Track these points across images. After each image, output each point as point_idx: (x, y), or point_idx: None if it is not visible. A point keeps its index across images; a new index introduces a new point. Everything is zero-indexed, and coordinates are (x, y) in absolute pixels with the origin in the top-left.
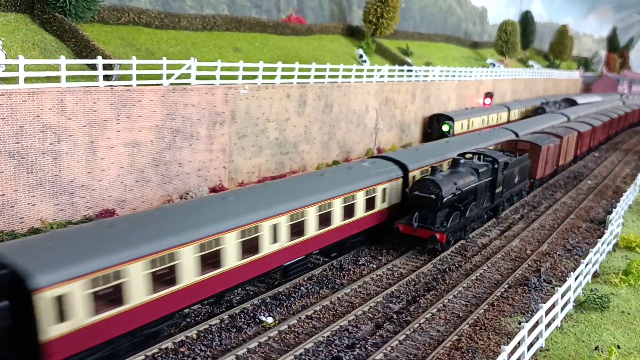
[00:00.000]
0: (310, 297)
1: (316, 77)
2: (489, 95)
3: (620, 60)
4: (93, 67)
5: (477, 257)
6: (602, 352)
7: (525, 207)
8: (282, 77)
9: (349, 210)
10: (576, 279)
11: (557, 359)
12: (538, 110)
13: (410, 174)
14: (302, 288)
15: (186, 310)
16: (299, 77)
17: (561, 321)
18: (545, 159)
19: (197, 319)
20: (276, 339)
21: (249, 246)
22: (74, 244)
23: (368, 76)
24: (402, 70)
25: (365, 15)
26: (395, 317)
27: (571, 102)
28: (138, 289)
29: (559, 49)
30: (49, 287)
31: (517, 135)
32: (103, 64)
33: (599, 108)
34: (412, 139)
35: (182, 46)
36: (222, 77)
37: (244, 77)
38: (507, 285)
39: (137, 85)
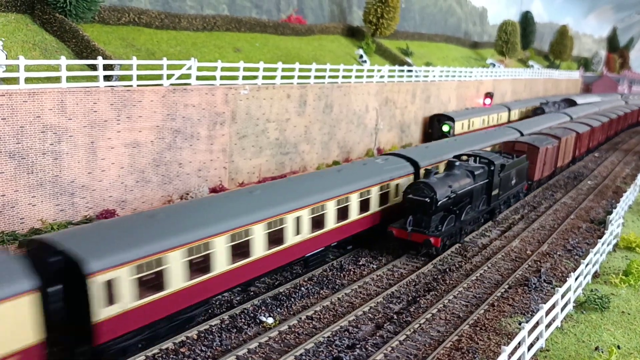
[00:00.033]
0: (311, 297)
1: (316, 77)
2: (489, 95)
3: (620, 60)
4: (93, 67)
5: (477, 257)
6: (602, 352)
7: (526, 208)
8: (283, 77)
9: (364, 205)
10: (576, 279)
11: None
12: (537, 111)
13: (422, 171)
14: (302, 288)
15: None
16: (299, 77)
17: (561, 321)
18: (543, 160)
19: (197, 319)
20: (276, 339)
21: (275, 237)
22: (119, 233)
23: (368, 76)
24: (402, 71)
25: (365, 16)
26: (395, 317)
27: (571, 103)
28: (176, 276)
29: (559, 49)
30: (100, 271)
31: (522, 134)
32: (103, 65)
33: (599, 108)
34: (412, 139)
35: (182, 46)
36: (222, 78)
37: (244, 78)
38: (508, 286)
39: (138, 85)
